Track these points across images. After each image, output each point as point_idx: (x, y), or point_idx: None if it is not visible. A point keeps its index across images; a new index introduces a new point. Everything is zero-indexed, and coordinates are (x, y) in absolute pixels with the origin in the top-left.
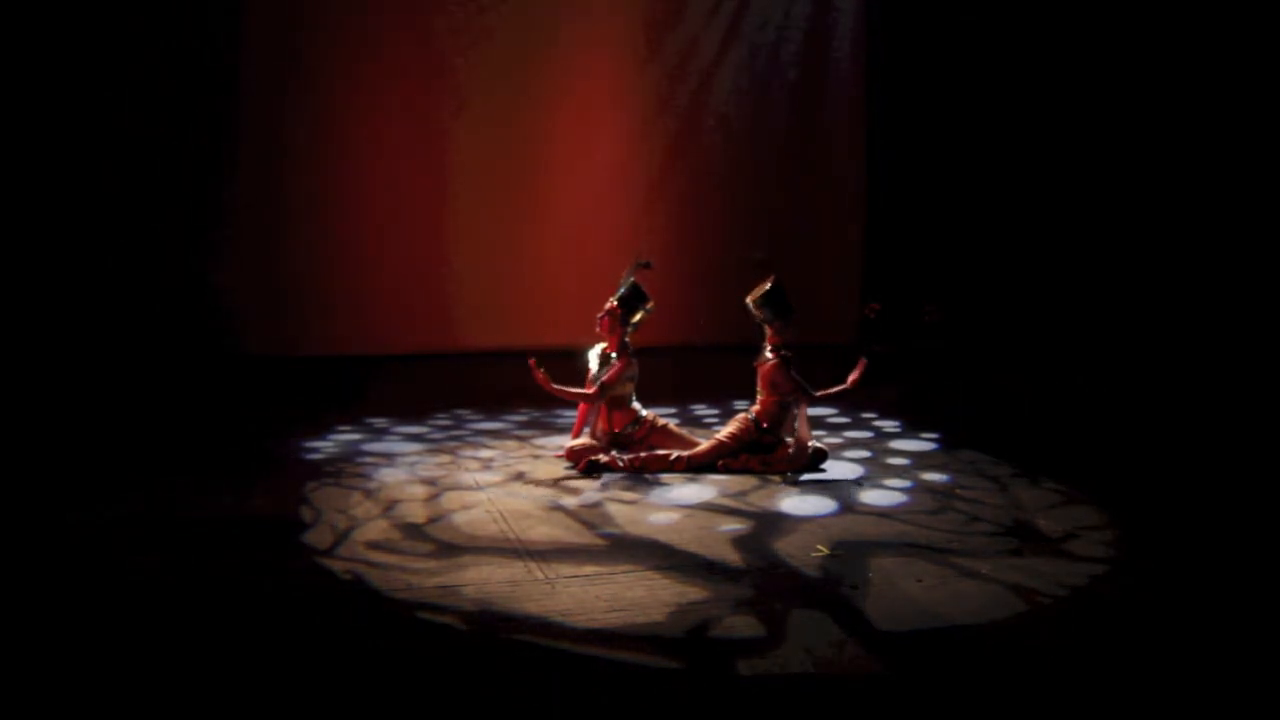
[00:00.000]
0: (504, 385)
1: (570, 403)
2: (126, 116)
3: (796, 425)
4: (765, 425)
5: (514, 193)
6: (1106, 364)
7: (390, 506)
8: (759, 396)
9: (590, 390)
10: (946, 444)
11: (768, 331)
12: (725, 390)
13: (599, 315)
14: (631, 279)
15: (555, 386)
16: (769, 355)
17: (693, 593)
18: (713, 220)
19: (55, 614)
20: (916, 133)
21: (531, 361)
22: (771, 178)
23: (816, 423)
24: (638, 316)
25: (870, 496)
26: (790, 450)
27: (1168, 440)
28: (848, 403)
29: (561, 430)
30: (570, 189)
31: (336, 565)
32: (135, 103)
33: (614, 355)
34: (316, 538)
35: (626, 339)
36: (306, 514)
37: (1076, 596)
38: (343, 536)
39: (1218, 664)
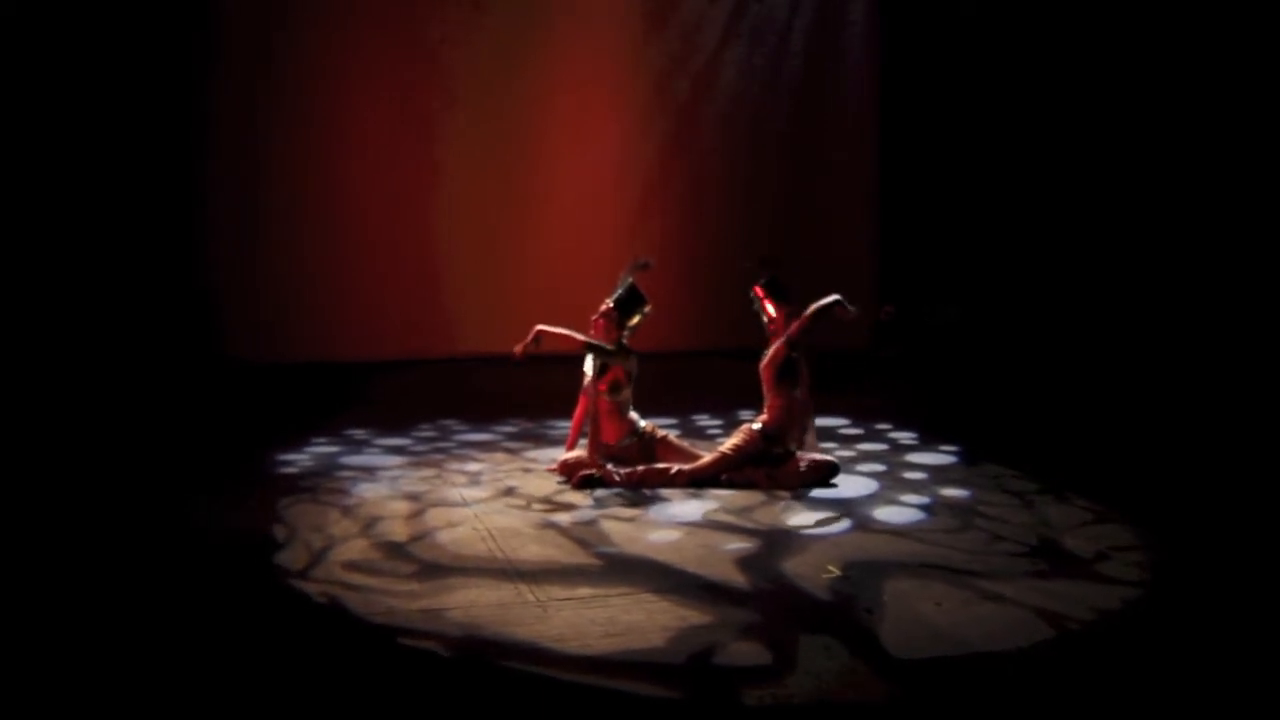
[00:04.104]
0: (493, 393)
1: (570, 349)
2: (102, 114)
3: (806, 436)
4: (772, 435)
5: (505, 190)
6: (1137, 369)
7: (370, 524)
8: (766, 404)
9: (585, 339)
10: (966, 457)
11: (766, 319)
12: (729, 398)
13: (594, 318)
14: (629, 280)
15: (548, 329)
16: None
17: (694, 617)
18: (714, 219)
19: (6, 641)
20: (932, 125)
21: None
22: (777, 174)
23: (827, 434)
24: (635, 319)
25: (885, 513)
26: (799, 463)
27: (1205, 451)
28: (860, 413)
29: (554, 443)
30: (565, 186)
31: (312, 588)
32: (111, 99)
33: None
34: (290, 558)
35: (624, 342)
36: (280, 532)
37: (1108, 622)
38: (319, 557)
39: (1259, 697)
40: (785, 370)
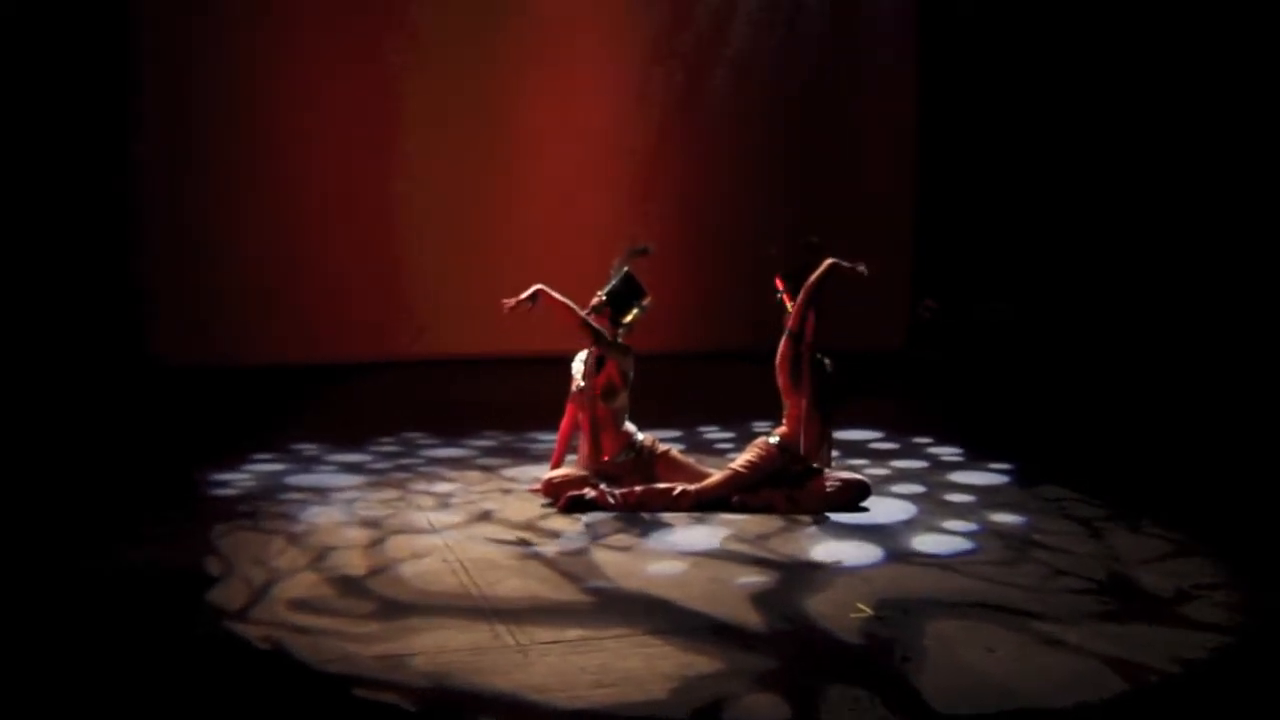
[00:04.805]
0: (466, 402)
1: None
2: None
3: (830, 450)
4: (792, 450)
5: (479, 168)
6: (1218, 377)
7: (321, 555)
8: (785, 413)
9: (585, 317)
10: (1021, 476)
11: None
12: (741, 407)
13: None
14: (625, 269)
15: (549, 291)
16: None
17: (701, 663)
18: (723, 199)
19: None
20: (977, 93)
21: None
22: (798, 146)
23: (857, 449)
24: (631, 315)
25: (925, 542)
26: (825, 483)
27: None
28: (897, 426)
29: (537, 458)
30: (549, 162)
31: (252, 631)
32: (25, 69)
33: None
34: (226, 596)
35: (619, 341)
36: (214, 565)
37: (1192, 674)
38: (260, 594)
39: None
40: (799, 372)
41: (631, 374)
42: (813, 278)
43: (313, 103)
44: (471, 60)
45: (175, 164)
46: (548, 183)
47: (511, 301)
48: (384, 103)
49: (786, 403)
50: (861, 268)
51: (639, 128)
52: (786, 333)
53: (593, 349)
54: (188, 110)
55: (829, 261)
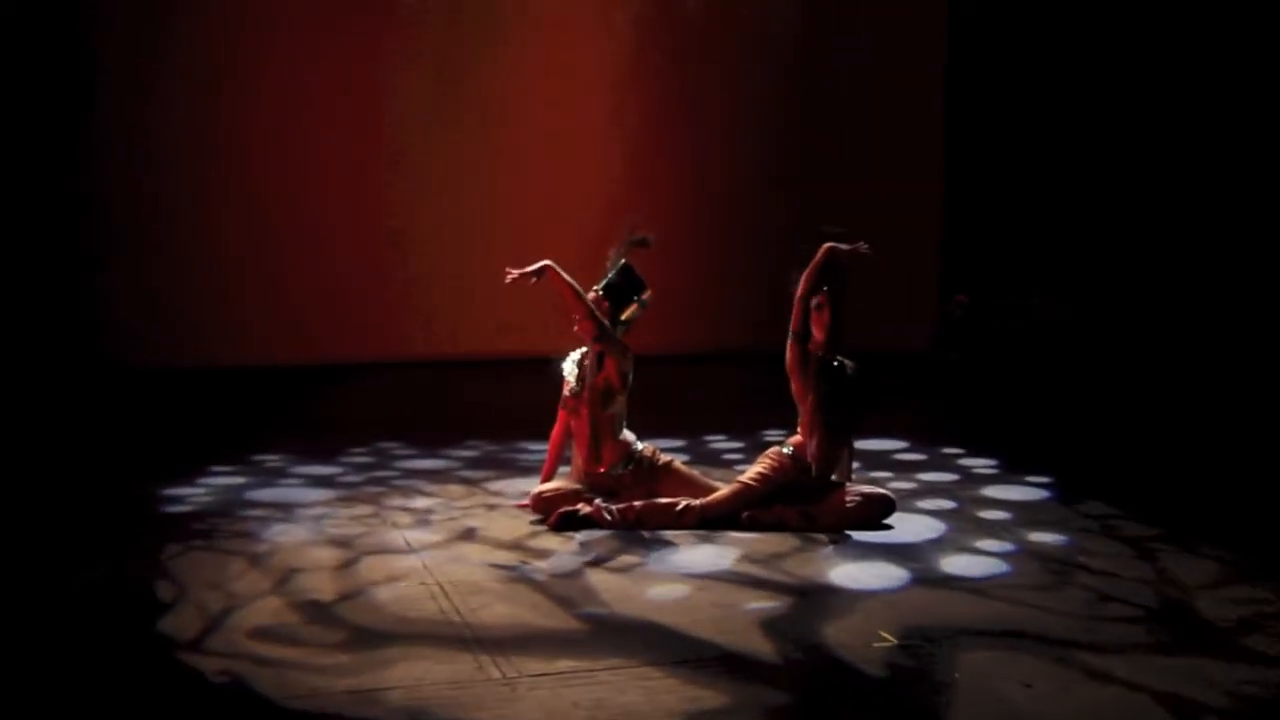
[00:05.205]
0: (448, 408)
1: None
2: None
3: (851, 462)
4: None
5: (463, 152)
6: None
7: (285, 579)
8: (799, 421)
9: (589, 304)
10: (1062, 491)
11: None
12: (750, 414)
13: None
14: (622, 261)
15: (557, 269)
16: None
17: (707, 698)
18: (732, 186)
19: None
20: (1014, 64)
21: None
22: (815, 126)
23: (880, 460)
24: (629, 311)
25: (956, 564)
26: (844, 497)
27: None
28: (924, 435)
29: (525, 471)
30: (538, 143)
31: (208, 663)
32: None
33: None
34: (179, 624)
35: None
36: (165, 591)
37: (1255, 713)
38: (217, 622)
39: None
40: (809, 374)
41: (630, 377)
42: (809, 267)
43: (282, 94)
44: (454, 38)
45: (135, 156)
46: (540, 168)
47: (515, 272)
48: (365, 84)
49: (801, 409)
50: (863, 246)
51: (640, 109)
52: (790, 334)
53: (593, 345)
54: (151, 107)
55: (825, 247)
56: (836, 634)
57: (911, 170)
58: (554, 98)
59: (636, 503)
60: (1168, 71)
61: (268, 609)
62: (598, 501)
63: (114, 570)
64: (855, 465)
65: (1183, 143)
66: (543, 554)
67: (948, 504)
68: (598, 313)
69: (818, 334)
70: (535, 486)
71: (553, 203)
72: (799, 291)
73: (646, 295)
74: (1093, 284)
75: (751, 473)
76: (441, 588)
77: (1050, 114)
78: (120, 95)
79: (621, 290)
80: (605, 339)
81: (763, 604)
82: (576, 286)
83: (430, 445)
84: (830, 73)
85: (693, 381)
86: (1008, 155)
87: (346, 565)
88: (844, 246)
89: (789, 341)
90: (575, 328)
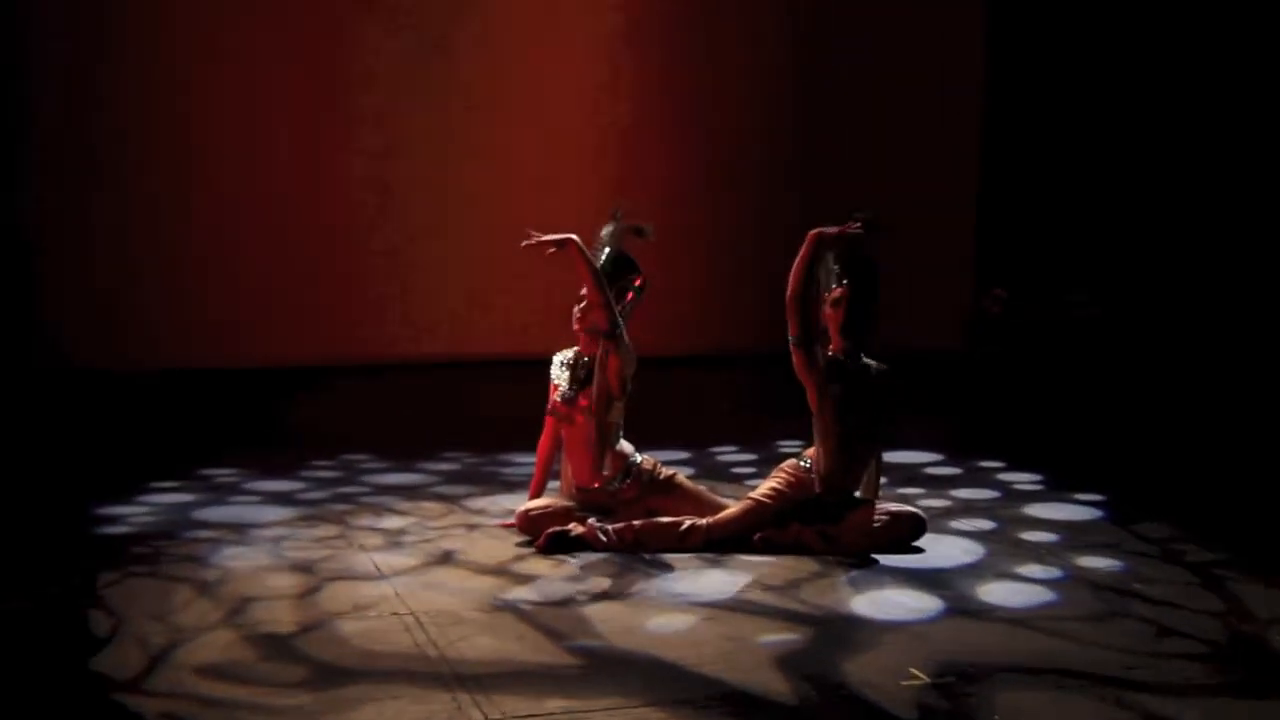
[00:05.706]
0: (423, 415)
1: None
2: None
3: (879, 476)
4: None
5: (444, 134)
6: None
7: (238, 609)
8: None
9: (606, 293)
10: (1116, 511)
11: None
12: (762, 423)
13: (576, 310)
14: (612, 243)
15: (581, 245)
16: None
17: None
18: (740, 173)
19: None
20: (1054, 46)
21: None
22: (837, 106)
23: (909, 474)
24: (626, 303)
25: (995, 592)
26: (869, 516)
27: None
28: (959, 446)
29: (512, 486)
30: (524, 124)
31: (149, 705)
32: None
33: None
34: (117, 661)
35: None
36: (101, 623)
37: None
38: (160, 658)
39: None
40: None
41: (630, 384)
42: (797, 262)
43: (255, 57)
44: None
45: (79, 151)
46: (526, 151)
47: (536, 237)
48: (331, 59)
49: (816, 420)
50: (855, 226)
51: (638, 88)
52: (790, 341)
53: (604, 341)
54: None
55: (811, 235)
56: (860, 671)
57: (947, 164)
58: (542, 85)
59: (635, 522)
60: (1212, 62)
61: (218, 643)
62: (591, 520)
63: (41, 600)
64: (883, 480)
65: (1225, 134)
66: (530, 580)
67: (986, 524)
68: (610, 305)
69: (834, 334)
70: (521, 504)
71: (538, 196)
72: (790, 291)
73: (639, 279)
74: (1134, 280)
75: (764, 488)
76: (416, 618)
77: (1089, 108)
78: (59, 56)
79: (614, 279)
80: (614, 337)
81: (777, 637)
82: (595, 269)
83: (403, 458)
84: (868, 67)
85: (698, 387)
86: (1045, 149)
87: (308, 593)
88: (831, 230)
89: (793, 348)
90: (576, 324)
